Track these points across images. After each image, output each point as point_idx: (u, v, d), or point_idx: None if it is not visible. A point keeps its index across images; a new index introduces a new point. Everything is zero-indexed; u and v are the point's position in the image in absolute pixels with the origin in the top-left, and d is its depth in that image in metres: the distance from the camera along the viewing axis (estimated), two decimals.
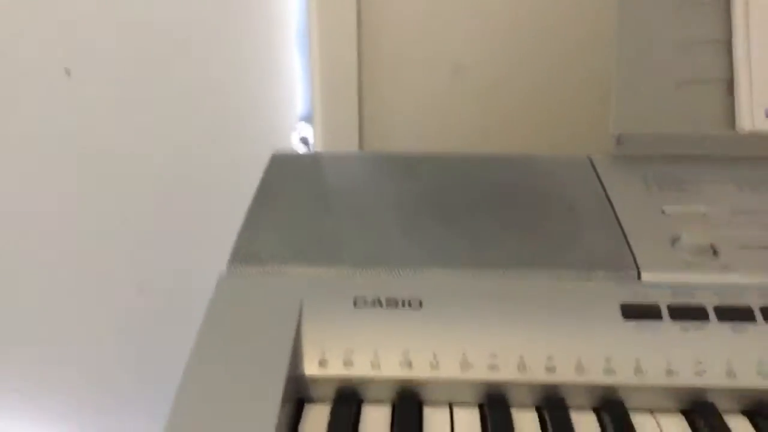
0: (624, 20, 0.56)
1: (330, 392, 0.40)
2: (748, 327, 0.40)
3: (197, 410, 0.36)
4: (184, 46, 0.80)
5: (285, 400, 0.37)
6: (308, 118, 0.82)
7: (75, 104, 0.82)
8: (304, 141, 0.83)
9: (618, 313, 0.40)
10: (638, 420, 0.38)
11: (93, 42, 0.79)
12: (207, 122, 0.84)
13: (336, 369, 0.39)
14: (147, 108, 0.83)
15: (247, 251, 0.46)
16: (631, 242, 0.45)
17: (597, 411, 0.39)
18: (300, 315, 0.41)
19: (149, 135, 0.84)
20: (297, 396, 0.40)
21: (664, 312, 0.40)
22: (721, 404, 0.38)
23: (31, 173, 0.86)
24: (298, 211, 0.50)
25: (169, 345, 0.92)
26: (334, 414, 0.38)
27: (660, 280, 0.42)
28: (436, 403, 0.40)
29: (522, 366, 0.38)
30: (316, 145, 0.81)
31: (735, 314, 0.40)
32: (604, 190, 0.52)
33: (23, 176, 0.86)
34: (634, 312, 0.40)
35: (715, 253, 0.45)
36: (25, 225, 0.89)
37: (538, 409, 0.39)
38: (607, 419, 0.38)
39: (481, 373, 0.38)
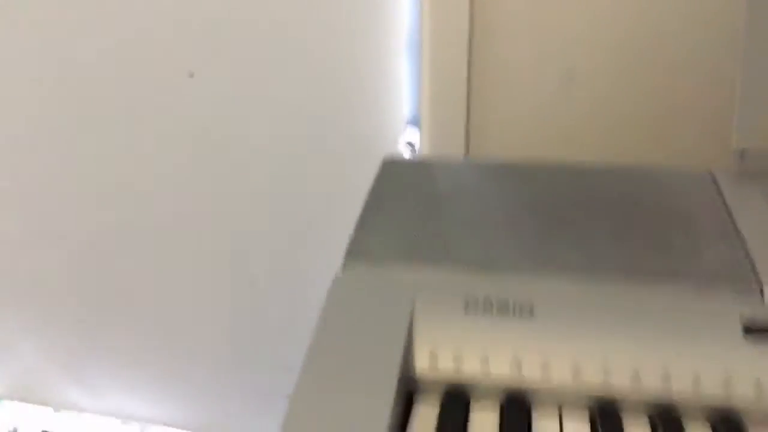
0: (755, 28, 0.54)
1: (439, 392, 0.40)
2: None
3: (313, 406, 0.37)
4: (296, 50, 0.83)
5: (397, 398, 0.38)
6: (415, 122, 0.83)
7: (196, 105, 0.87)
8: (411, 145, 0.84)
9: (739, 331, 0.39)
10: None
11: (215, 46, 0.83)
12: (318, 126, 0.86)
13: (446, 371, 0.40)
14: (261, 113, 0.86)
15: (360, 251, 0.47)
16: (754, 259, 0.44)
17: (714, 429, 0.38)
18: (412, 316, 0.42)
19: (263, 140, 0.87)
20: (407, 393, 0.41)
21: None
22: None
23: (151, 172, 0.91)
24: (410, 215, 0.51)
25: (278, 341, 0.96)
26: (443, 414, 0.39)
27: None
28: (545, 408, 0.40)
29: (636, 379, 0.38)
30: (422, 149, 0.82)
31: None
32: (726, 205, 0.50)
33: (146, 176, 0.91)
34: (757, 330, 0.39)
35: None
36: (142, 221, 0.94)
37: (651, 418, 0.38)
38: None
39: (592, 385, 0.38)
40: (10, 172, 0.96)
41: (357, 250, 0.48)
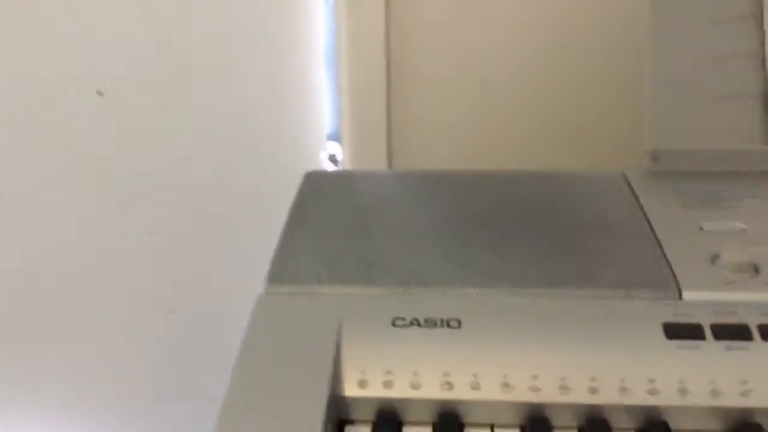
0: (657, 35, 0.56)
1: (370, 413, 0.40)
2: None
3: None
4: (210, 68, 0.81)
5: (327, 421, 0.36)
6: (336, 137, 0.82)
7: (107, 125, 0.83)
8: (333, 159, 0.84)
9: (661, 333, 0.40)
10: None
11: (126, 64, 0.81)
12: (235, 143, 0.84)
13: (376, 390, 0.39)
14: (175, 129, 0.84)
15: (284, 271, 0.46)
16: (671, 260, 0.45)
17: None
18: (339, 335, 0.41)
19: (178, 156, 0.85)
20: (337, 417, 0.40)
21: (708, 331, 0.39)
22: None
23: (64, 193, 0.87)
24: (333, 230, 0.50)
25: (202, 366, 0.93)
26: None
27: (702, 299, 0.42)
28: (477, 424, 0.39)
29: (564, 387, 0.38)
30: (344, 163, 0.82)
31: None
32: (641, 206, 0.51)
33: (56, 196, 0.87)
34: (677, 331, 0.39)
35: (756, 270, 0.44)
36: (58, 244, 0.90)
37: (581, 430, 0.38)
38: None
39: (522, 395, 0.38)
40: None
41: (280, 271, 0.46)
